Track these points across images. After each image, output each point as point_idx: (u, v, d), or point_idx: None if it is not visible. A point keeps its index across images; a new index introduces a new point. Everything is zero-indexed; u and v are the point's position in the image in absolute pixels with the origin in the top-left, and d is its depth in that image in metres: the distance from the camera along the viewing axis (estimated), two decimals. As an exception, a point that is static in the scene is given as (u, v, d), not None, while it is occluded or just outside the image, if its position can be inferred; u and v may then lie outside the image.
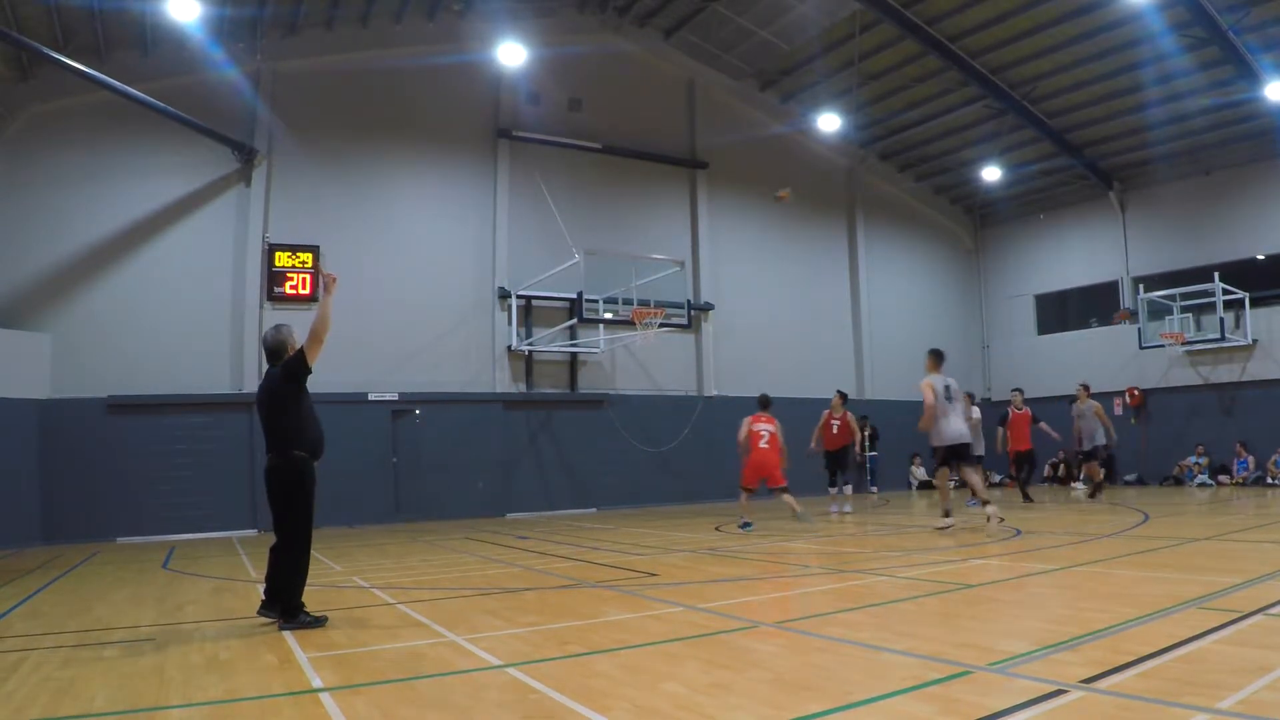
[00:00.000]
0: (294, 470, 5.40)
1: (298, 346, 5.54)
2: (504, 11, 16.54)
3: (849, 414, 14.43)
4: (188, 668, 4.31)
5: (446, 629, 5.09)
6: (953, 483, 10.91)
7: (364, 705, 3.52)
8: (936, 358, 10.25)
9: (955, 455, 9.91)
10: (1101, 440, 14.17)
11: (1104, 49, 16.67)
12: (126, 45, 14.33)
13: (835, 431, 14.19)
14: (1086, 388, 14.58)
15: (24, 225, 13.76)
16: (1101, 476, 14.63)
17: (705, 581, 7.02)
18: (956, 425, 9.78)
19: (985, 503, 10.05)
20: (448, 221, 16.97)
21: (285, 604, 5.32)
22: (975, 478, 10.42)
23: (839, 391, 14.57)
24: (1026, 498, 14.48)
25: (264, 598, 5.50)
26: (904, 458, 21.66)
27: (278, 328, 5.71)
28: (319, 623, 5.31)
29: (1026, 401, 14.83)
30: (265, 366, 5.80)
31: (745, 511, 11.44)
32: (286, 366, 5.47)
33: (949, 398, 9.81)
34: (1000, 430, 14.94)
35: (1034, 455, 14.94)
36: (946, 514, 9.87)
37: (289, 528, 5.41)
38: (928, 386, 9.72)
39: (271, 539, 5.54)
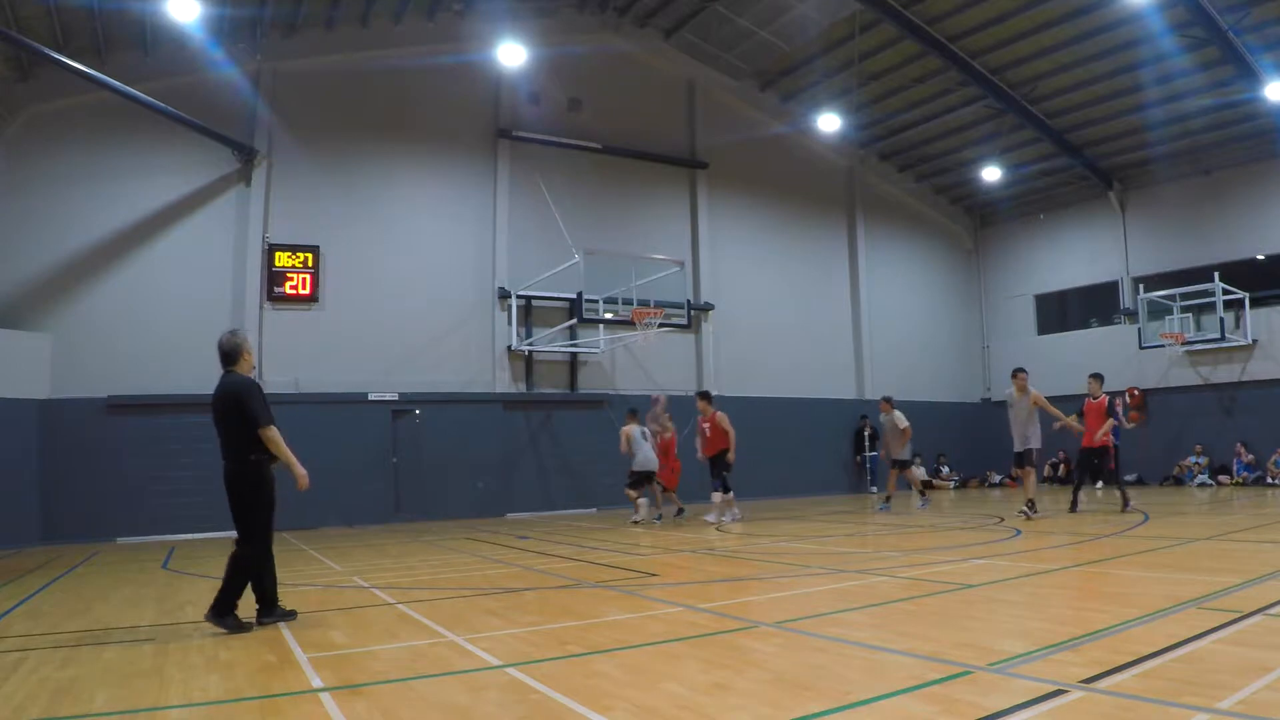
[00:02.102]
0: (255, 474, 5.47)
1: (252, 353, 5.74)
2: (504, 11, 16.53)
3: (718, 415, 12.53)
4: (188, 668, 4.31)
5: (446, 629, 5.09)
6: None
7: (364, 705, 3.52)
8: (634, 414, 13.46)
9: (645, 478, 13.17)
10: (1036, 443, 11.55)
11: (1104, 49, 16.68)
12: (126, 45, 14.33)
13: (707, 435, 12.65)
14: (1022, 373, 11.64)
15: (24, 225, 13.76)
16: (1032, 488, 11.60)
17: (705, 581, 7.02)
18: (646, 455, 13.03)
19: (638, 508, 13.12)
20: (448, 221, 16.96)
21: (222, 600, 5.28)
22: (661, 494, 13.56)
23: (699, 392, 13.58)
24: (1074, 504, 12.11)
25: (257, 606, 5.50)
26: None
27: (233, 332, 5.79)
28: (246, 628, 5.25)
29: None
30: (252, 370, 5.83)
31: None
32: (253, 407, 5.39)
33: (644, 438, 13.14)
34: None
35: (1102, 453, 12.14)
36: (636, 511, 13.21)
37: (249, 530, 5.47)
38: (628, 432, 13.10)
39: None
